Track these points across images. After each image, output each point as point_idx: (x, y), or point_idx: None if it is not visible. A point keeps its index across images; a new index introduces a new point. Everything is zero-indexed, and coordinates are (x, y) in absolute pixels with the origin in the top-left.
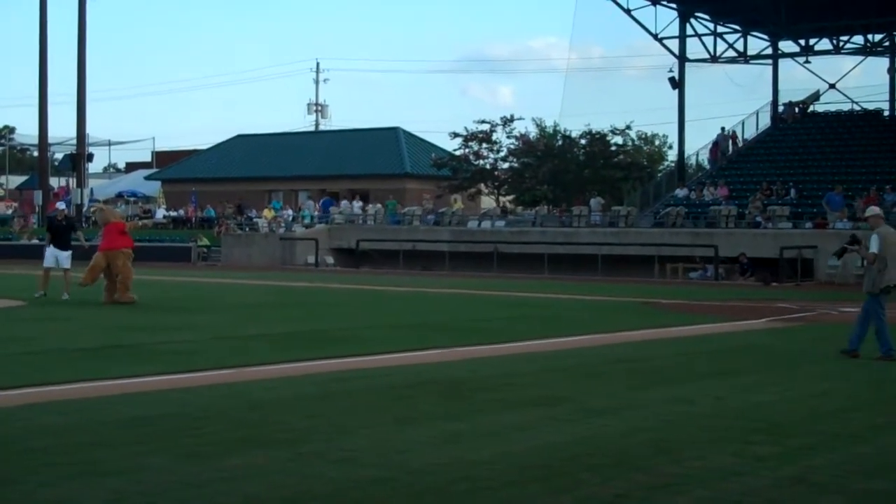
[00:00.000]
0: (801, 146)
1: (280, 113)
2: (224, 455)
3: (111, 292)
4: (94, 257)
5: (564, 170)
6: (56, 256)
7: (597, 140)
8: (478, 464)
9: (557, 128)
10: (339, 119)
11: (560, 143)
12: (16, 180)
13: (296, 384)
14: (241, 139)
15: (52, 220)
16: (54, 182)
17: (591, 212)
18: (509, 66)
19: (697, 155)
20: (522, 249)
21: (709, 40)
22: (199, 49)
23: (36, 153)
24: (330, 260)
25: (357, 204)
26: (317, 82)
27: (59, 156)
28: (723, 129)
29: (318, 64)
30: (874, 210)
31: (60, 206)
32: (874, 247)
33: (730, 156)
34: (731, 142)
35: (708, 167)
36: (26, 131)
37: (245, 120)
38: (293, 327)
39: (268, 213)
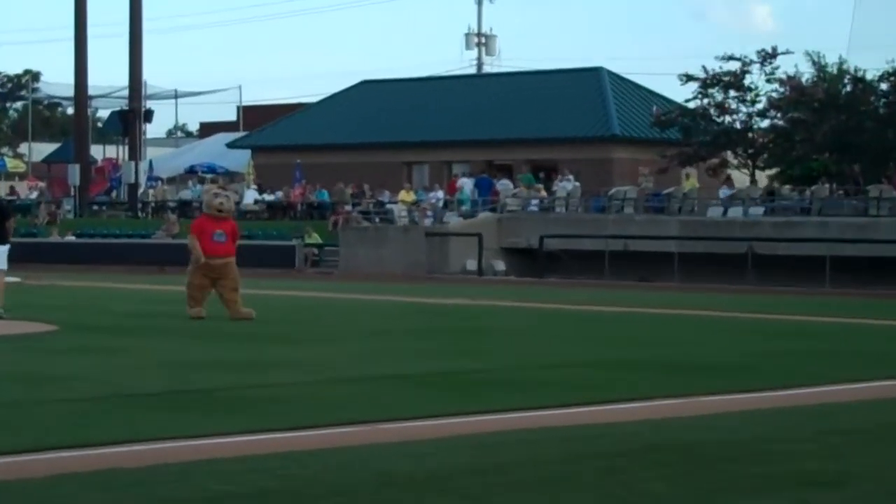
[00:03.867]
0: None
1: (425, 48)
2: None
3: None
4: None
5: (856, 129)
6: None
7: None
8: None
9: (844, 66)
10: (513, 56)
11: (848, 89)
12: (42, 150)
13: (446, 449)
14: (366, 87)
15: None
16: (97, 152)
17: None
18: None
19: None
20: (791, 249)
21: None
22: None
23: (70, 110)
24: (499, 265)
25: (569, 182)
26: (479, 2)
27: (103, 113)
28: None
29: None
30: None
31: None
32: None
33: None
34: None
35: None
36: (57, 78)
37: (372, 60)
38: (443, 366)
39: (405, 197)
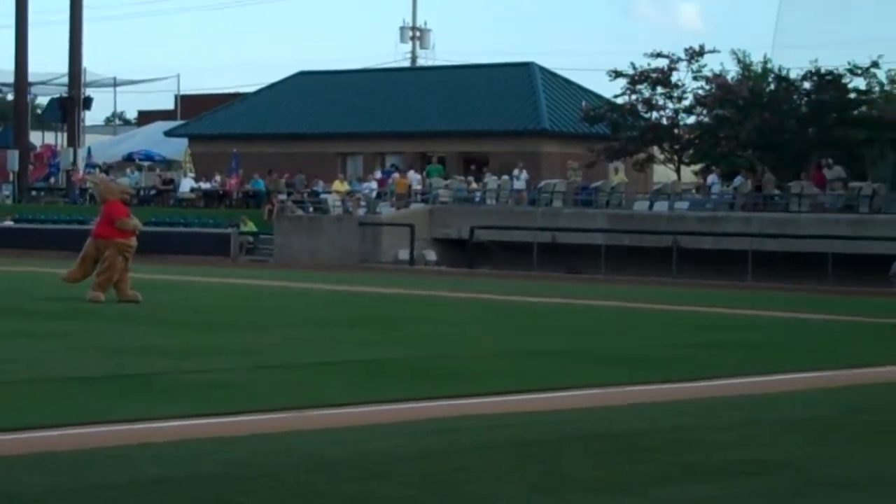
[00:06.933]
0: None
1: (362, 41)
2: None
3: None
4: (85, 245)
5: (778, 128)
6: None
7: (828, 84)
8: None
9: (769, 65)
10: (447, 50)
11: (772, 87)
12: None
13: (381, 436)
14: (303, 78)
15: None
16: (36, 138)
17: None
18: None
19: None
20: (716, 244)
21: None
22: None
23: (10, 97)
24: (431, 256)
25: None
26: None
27: (42, 100)
28: None
29: None
30: None
31: None
32: None
33: None
34: None
35: None
36: None
37: (309, 51)
38: (377, 353)
39: (339, 187)
